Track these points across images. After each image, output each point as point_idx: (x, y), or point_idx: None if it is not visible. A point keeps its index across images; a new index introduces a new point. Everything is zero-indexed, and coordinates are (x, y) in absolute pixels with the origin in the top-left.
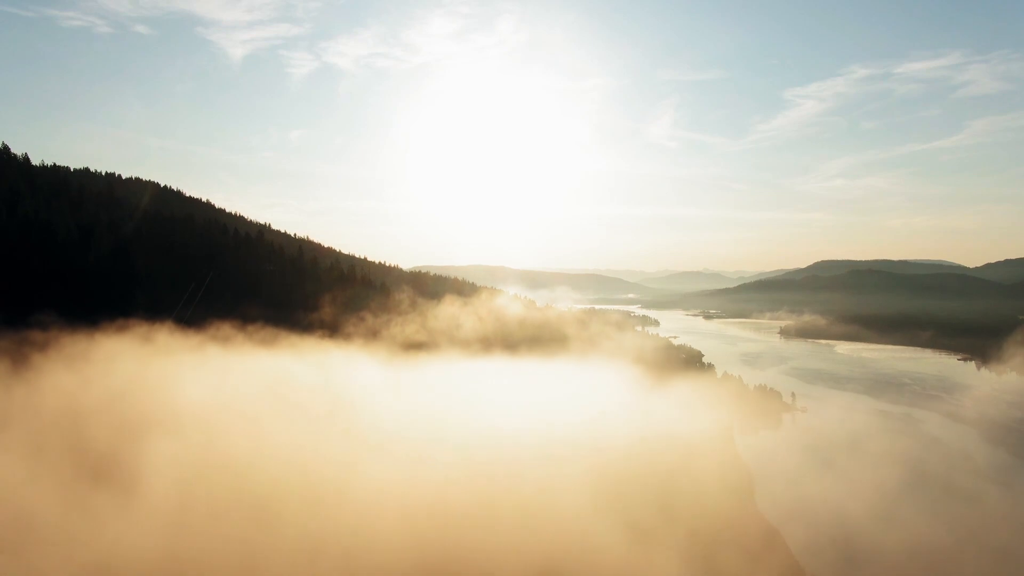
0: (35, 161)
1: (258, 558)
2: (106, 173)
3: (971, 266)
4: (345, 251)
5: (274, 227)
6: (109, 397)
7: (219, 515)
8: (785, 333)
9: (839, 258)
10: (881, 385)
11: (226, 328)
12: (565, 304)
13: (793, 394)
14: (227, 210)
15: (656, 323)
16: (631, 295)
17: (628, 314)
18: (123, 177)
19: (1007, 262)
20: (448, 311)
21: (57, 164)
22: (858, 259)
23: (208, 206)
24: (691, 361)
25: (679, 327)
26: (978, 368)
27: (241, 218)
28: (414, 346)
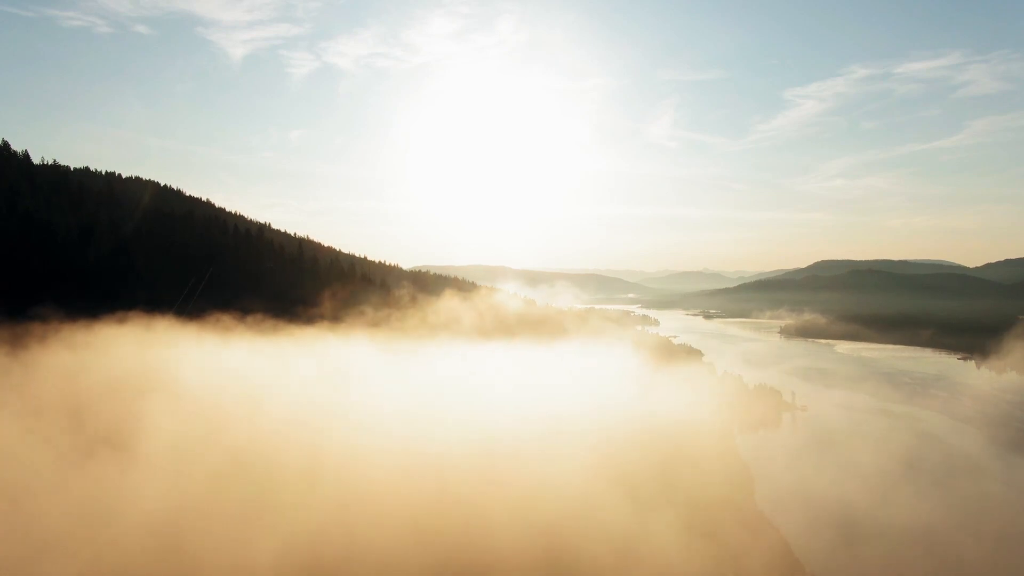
0: (35, 159)
1: (255, 525)
2: (106, 172)
3: (971, 266)
4: (345, 250)
5: (274, 227)
6: (108, 377)
7: (218, 479)
8: (785, 332)
9: (839, 258)
10: (881, 384)
11: (226, 320)
12: (565, 303)
13: (793, 393)
14: (227, 209)
15: (656, 323)
16: (631, 295)
17: (628, 313)
18: (123, 176)
19: (1007, 262)
20: (448, 305)
21: (57, 161)
22: (858, 259)
23: (208, 205)
24: (691, 360)
25: (679, 327)
26: (978, 367)
27: (241, 217)
28: (414, 336)
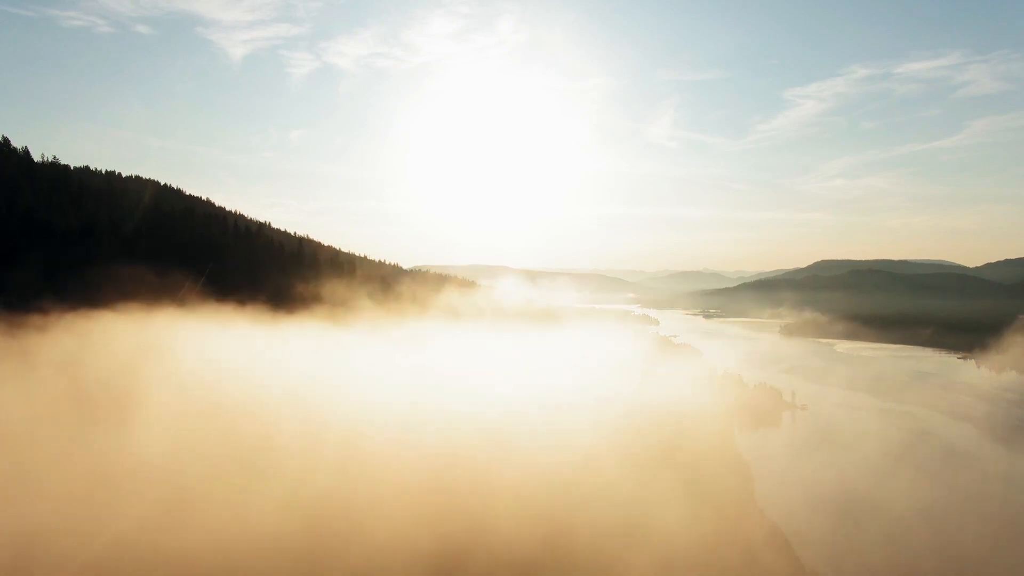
0: (35, 157)
1: (255, 490)
2: (106, 172)
3: (971, 266)
4: (345, 249)
5: (274, 226)
6: (110, 358)
7: (219, 447)
8: (785, 332)
9: (839, 258)
10: (881, 383)
11: (226, 311)
12: (565, 302)
13: (793, 392)
14: (227, 208)
15: (656, 322)
16: (631, 295)
17: (628, 313)
18: (123, 176)
19: (1007, 262)
20: (447, 300)
21: (57, 158)
22: (858, 259)
23: (208, 204)
24: (692, 359)
25: (679, 326)
26: (978, 366)
27: (241, 216)
28: (414, 328)
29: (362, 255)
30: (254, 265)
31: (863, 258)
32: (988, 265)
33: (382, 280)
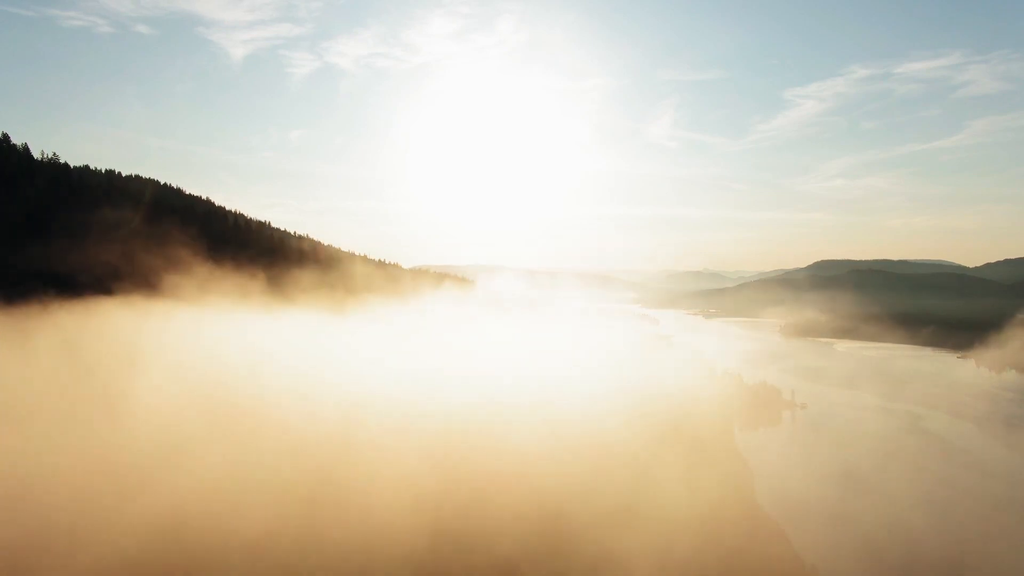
0: (35, 154)
1: (249, 458)
2: (106, 171)
3: (971, 266)
4: (345, 249)
5: (274, 225)
6: (108, 343)
7: (214, 422)
8: (785, 331)
9: (839, 258)
10: (880, 382)
11: (225, 302)
12: (564, 302)
13: (793, 391)
14: (227, 208)
15: (656, 321)
16: (631, 294)
17: (628, 312)
18: (123, 175)
19: (1007, 262)
20: (446, 295)
21: (57, 155)
22: (858, 259)
23: (208, 203)
24: (691, 358)
25: (679, 325)
26: (977, 366)
27: (241, 215)
28: (410, 319)
29: (362, 254)
30: (254, 261)
31: (863, 258)
32: (988, 265)
33: (381, 275)
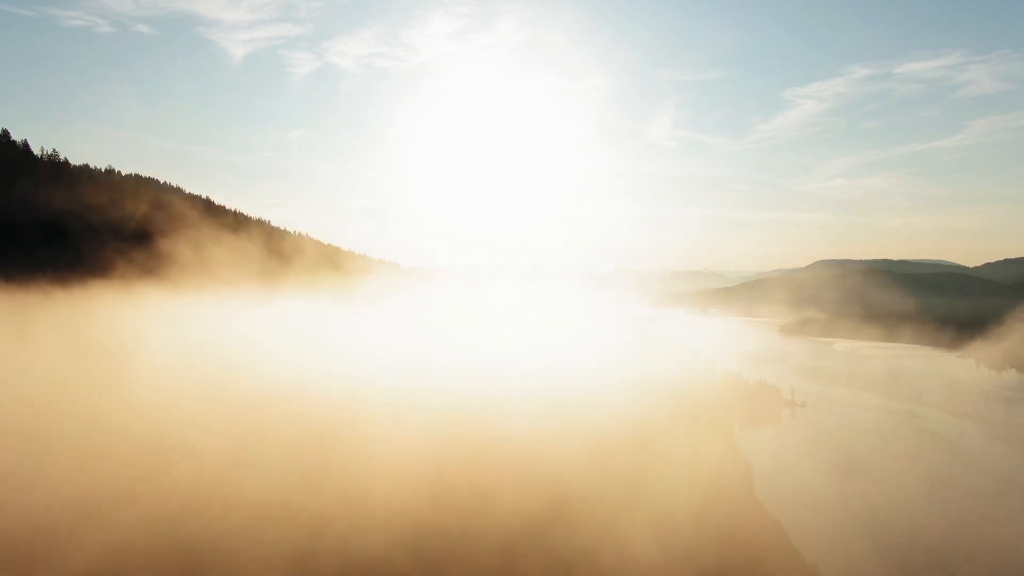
0: (35, 151)
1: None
2: (106, 170)
3: (971, 266)
4: (345, 248)
5: (273, 224)
6: (105, 325)
7: (209, 402)
8: (785, 331)
9: (839, 258)
10: (880, 381)
11: (220, 290)
12: (564, 300)
13: (792, 390)
14: (227, 207)
15: (656, 320)
16: (631, 294)
17: (628, 311)
18: (123, 174)
19: (1007, 262)
20: (447, 294)
21: (56, 151)
22: (858, 259)
23: (208, 202)
24: (690, 356)
25: (678, 324)
26: (977, 365)
27: (240, 214)
28: (411, 315)
29: (362, 254)
30: (253, 256)
31: (863, 258)
32: (988, 265)
33: (381, 274)
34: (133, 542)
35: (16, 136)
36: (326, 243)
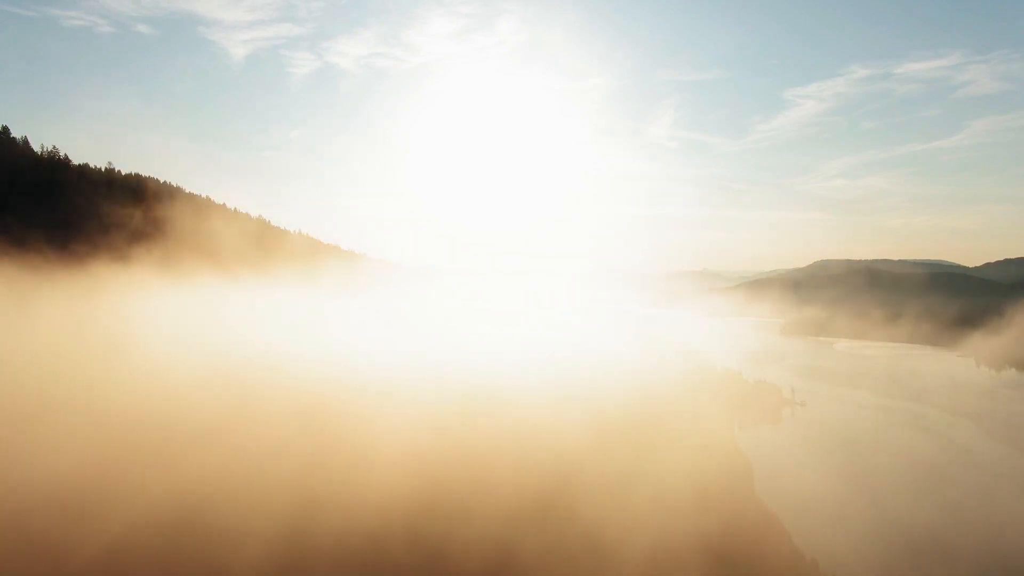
0: (35, 148)
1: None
2: (105, 169)
3: (971, 265)
4: (345, 247)
5: (273, 224)
6: (101, 308)
7: (203, 386)
8: (785, 330)
9: (839, 257)
10: (880, 381)
11: (217, 278)
12: (564, 300)
13: (792, 389)
14: (227, 206)
15: (655, 320)
16: (631, 293)
17: (627, 311)
18: (122, 173)
19: (1007, 262)
20: (447, 293)
21: (56, 148)
22: (858, 259)
23: (207, 202)
24: (690, 356)
25: (678, 324)
26: (976, 364)
27: (240, 212)
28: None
29: (362, 253)
30: (252, 252)
31: (863, 257)
32: (988, 265)
33: (381, 272)
34: (136, 521)
35: (16, 135)
36: (326, 242)
